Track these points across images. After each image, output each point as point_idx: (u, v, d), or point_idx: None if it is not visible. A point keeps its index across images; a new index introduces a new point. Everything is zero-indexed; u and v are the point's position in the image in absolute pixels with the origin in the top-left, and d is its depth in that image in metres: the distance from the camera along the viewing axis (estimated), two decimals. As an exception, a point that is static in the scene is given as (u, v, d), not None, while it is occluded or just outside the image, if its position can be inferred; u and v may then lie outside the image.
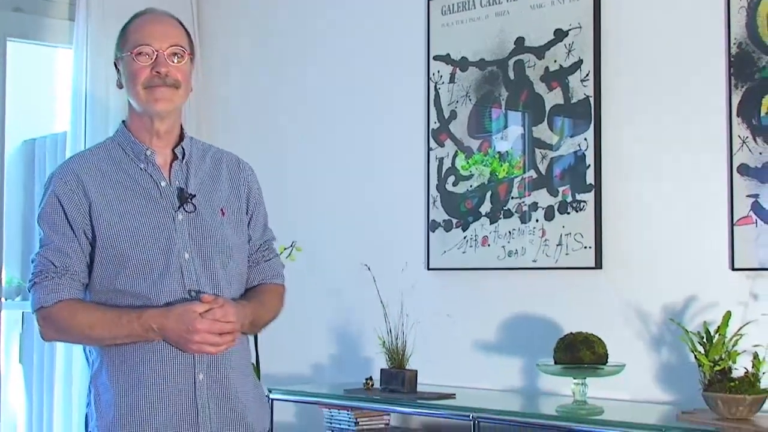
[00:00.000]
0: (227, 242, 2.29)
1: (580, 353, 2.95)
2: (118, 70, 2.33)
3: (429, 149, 3.68)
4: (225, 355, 2.24)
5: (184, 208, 2.26)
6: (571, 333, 3.03)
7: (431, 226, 3.66)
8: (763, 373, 2.67)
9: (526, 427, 2.98)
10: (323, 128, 4.04)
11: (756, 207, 2.97)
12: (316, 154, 4.04)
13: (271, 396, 3.44)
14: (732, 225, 3.02)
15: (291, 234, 3.64)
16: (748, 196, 2.98)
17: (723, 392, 2.65)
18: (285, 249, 3.58)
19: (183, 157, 2.32)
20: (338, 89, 4.01)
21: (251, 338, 2.86)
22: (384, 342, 3.34)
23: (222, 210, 2.31)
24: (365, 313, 3.65)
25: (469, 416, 2.97)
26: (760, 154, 2.95)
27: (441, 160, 3.65)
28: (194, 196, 2.27)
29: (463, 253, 3.57)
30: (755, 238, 2.97)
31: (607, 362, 2.99)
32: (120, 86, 2.33)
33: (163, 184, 2.29)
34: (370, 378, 3.42)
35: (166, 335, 2.19)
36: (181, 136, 2.34)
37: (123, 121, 2.36)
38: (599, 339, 3.01)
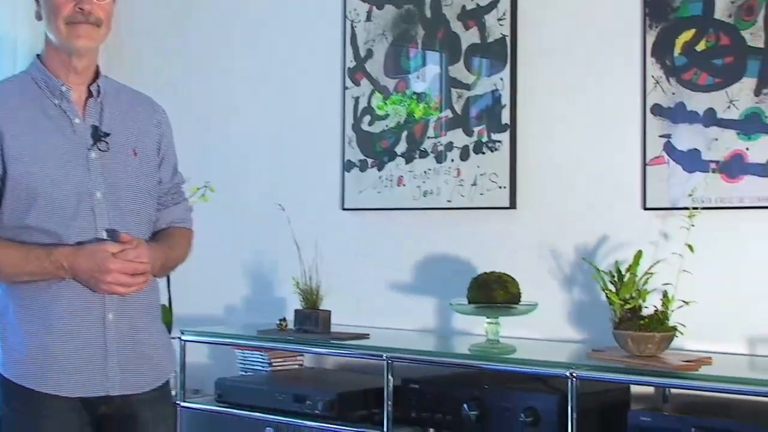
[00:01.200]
0: (139, 183, 2.26)
1: (494, 293, 2.94)
2: (37, 1, 2.24)
3: (345, 88, 3.63)
4: (135, 296, 2.21)
5: (97, 147, 2.21)
6: (485, 273, 3.02)
7: (346, 166, 3.64)
8: (672, 311, 2.67)
9: (439, 366, 2.97)
10: (238, 66, 3.96)
11: (668, 147, 2.99)
12: (231, 92, 3.97)
13: (184, 337, 3.37)
14: (644, 165, 3.03)
15: (205, 174, 3.61)
16: (660, 136, 2.99)
17: (633, 330, 2.65)
18: (198, 189, 3.53)
19: (98, 95, 2.27)
20: (253, 26, 3.93)
21: (164, 280, 2.80)
22: (298, 283, 3.31)
23: (134, 150, 2.27)
24: (279, 253, 3.62)
25: (382, 356, 2.94)
26: (673, 94, 2.96)
27: (357, 100, 3.61)
28: (108, 134, 2.22)
29: (378, 193, 3.57)
30: (667, 177, 2.98)
31: (520, 301, 2.98)
32: (39, 18, 2.24)
33: (77, 121, 2.23)
34: (284, 319, 3.38)
35: (76, 274, 2.15)
36: (97, 74, 2.29)
37: (38, 55, 2.28)
38: (512, 278, 3.00)
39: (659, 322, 2.65)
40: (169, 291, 3.55)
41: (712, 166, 2.91)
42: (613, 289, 2.72)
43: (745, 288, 2.89)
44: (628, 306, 2.68)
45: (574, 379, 2.60)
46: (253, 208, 3.83)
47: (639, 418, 2.53)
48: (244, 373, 3.48)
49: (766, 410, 2.58)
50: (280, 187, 3.76)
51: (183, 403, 3.32)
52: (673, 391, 2.85)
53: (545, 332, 3.20)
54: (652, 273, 2.72)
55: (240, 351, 3.48)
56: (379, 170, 3.57)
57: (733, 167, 2.87)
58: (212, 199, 3.57)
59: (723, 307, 2.91)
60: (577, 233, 3.16)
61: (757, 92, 2.81)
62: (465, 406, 2.78)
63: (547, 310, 3.11)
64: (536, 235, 3.26)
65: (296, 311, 3.33)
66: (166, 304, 3.50)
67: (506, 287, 2.96)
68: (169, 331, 2.71)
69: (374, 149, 3.58)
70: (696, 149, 2.94)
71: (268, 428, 3.10)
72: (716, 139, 2.90)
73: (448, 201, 3.41)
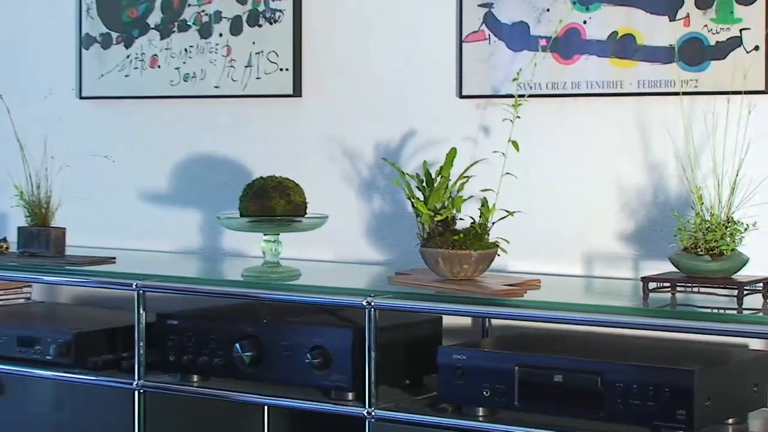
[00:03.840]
0: None
1: (272, 202, 2.93)
2: None
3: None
4: None
5: None
6: (262, 177, 3.00)
7: (84, 41, 3.58)
8: (493, 224, 2.69)
9: (204, 297, 2.96)
10: None
11: (489, 19, 3.01)
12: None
13: None
14: (460, 42, 3.05)
15: None
16: (480, 5, 3.02)
17: (444, 248, 2.67)
18: None
19: None
20: None
21: None
22: (22, 192, 3.27)
23: None
24: (-4, 154, 3.57)
25: (132, 285, 2.93)
26: (491, -48, 3.01)
27: (96, -45, 3.57)
28: None
29: (126, 76, 3.52)
30: (487, 57, 3.01)
31: (305, 213, 3.00)
32: None
33: None
34: (4, 239, 3.36)
35: None
36: None
37: None
38: (296, 184, 3.00)
39: (477, 237, 2.67)
40: None
41: (542, 43, 2.93)
42: (421, 197, 2.73)
43: (582, 195, 2.94)
44: (438, 218, 2.69)
45: (371, 309, 2.61)
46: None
47: (451, 356, 2.55)
48: (-50, 309, 3.42)
49: (604, 342, 2.66)
50: (-2, 70, 3.71)
51: None
52: (495, 322, 2.92)
53: (337, 252, 3.25)
54: (468, 177, 2.74)
55: (-56, 281, 3.43)
56: (126, 47, 3.52)
57: (568, 45, 2.91)
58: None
59: (555, 218, 2.96)
60: (376, 127, 3.19)
61: (597, -49, 2.92)
62: (237, 346, 2.79)
63: (339, 224, 3.14)
64: (326, 129, 3.27)
65: (20, 229, 3.29)
66: None
67: (288, 195, 2.96)
68: None
69: (120, 20, 3.52)
70: (523, 22, 2.96)
71: (-18, 380, 3.08)
72: (548, 10, 2.93)
73: (216, 87, 3.40)
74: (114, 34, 3.52)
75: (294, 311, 2.88)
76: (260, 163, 3.27)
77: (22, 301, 3.49)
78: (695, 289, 2.51)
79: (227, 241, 3.39)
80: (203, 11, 3.37)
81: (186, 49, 3.41)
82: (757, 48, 2.70)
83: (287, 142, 3.32)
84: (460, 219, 2.72)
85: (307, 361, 2.70)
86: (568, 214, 2.95)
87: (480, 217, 2.70)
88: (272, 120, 3.34)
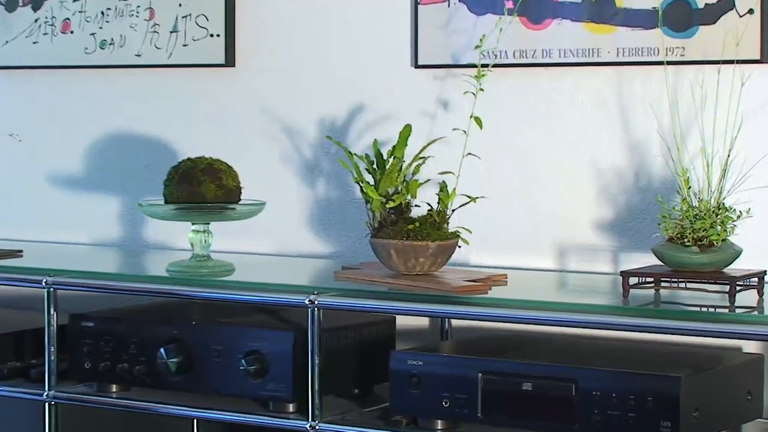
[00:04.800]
0: None
1: (202, 187, 2.93)
2: None
3: None
4: None
5: None
6: (189, 159, 3.00)
7: None
8: (453, 211, 2.70)
9: (124, 295, 2.97)
10: None
11: None
12: None
13: None
14: (415, 4, 3.07)
15: None
16: None
17: (398, 238, 2.67)
18: None
19: None
20: None
21: None
22: None
23: None
24: None
25: (41, 282, 2.92)
26: None
27: None
28: None
29: (35, 43, 3.52)
30: (446, 22, 3.03)
31: (240, 200, 3.01)
32: None
33: None
34: None
35: None
36: None
37: None
38: (229, 167, 3.00)
39: (435, 226, 2.68)
40: None
41: (509, 5, 2.94)
42: (371, 181, 2.73)
43: (554, 179, 2.95)
44: (391, 204, 2.70)
45: (315, 308, 2.62)
46: None
47: (406, 362, 2.54)
48: None
49: (579, 345, 2.69)
50: None
51: None
52: (455, 322, 2.95)
53: (276, 244, 3.27)
54: (425, 157, 2.74)
55: None
56: (34, 10, 3.51)
57: (538, 8, 2.93)
58: None
59: (523, 205, 2.98)
60: (320, 102, 3.21)
61: None
62: (162, 351, 2.79)
63: (278, 211, 3.17)
64: (263, 103, 3.28)
65: None
66: None
67: (219, 179, 2.96)
68: None
69: (28, -22, 3.54)
70: (487, -19, 3.00)
71: None
72: (515, -32, 3.01)
73: (137, 56, 3.40)
74: (19, -5, 3.54)
75: (227, 311, 2.88)
76: (188, 143, 3.28)
77: None
78: (682, 285, 2.50)
79: (150, 231, 3.40)
80: (123, -32, 3.41)
81: (103, 12, 3.41)
82: (751, 11, 2.70)
83: (219, 118, 3.32)
84: (416, 206, 2.73)
85: (241, 368, 2.70)
86: (538, 200, 2.96)
87: (438, 203, 2.70)
88: (201, 93, 3.35)
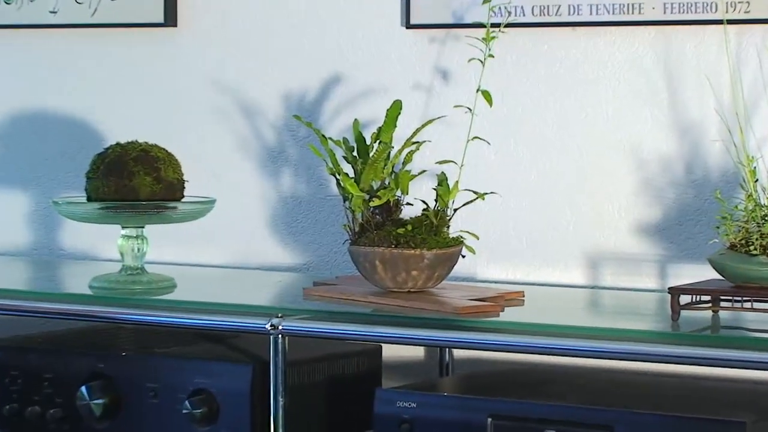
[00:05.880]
0: None
1: (134, 181, 2.93)
2: None
3: None
4: None
5: None
6: (119, 144, 2.99)
7: None
8: (455, 211, 2.70)
9: (36, 318, 3.04)
10: None
11: None
12: None
13: None
14: None
15: None
16: None
17: (385, 246, 2.67)
18: None
19: None
20: None
21: None
22: None
23: None
24: None
25: None
26: None
27: None
28: None
29: None
30: None
31: (182, 196, 3.00)
32: None
33: None
34: None
35: None
36: None
37: None
38: (168, 154, 3.00)
39: (432, 230, 2.68)
40: None
41: None
42: (351, 173, 2.75)
43: (584, 170, 2.97)
44: (376, 202, 2.71)
45: (279, 336, 2.61)
46: None
47: (395, 403, 2.54)
48: None
49: (617, 382, 2.69)
50: None
51: None
52: (458, 353, 2.97)
53: (230, 253, 3.31)
54: (419, 143, 2.75)
55: None
56: None
57: None
58: None
59: (545, 203, 2.99)
60: (285, 71, 3.24)
61: None
62: (83, 390, 2.79)
63: (232, 211, 3.22)
64: (213, 74, 3.31)
65: None
66: None
67: (157, 170, 2.96)
68: None
69: None
70: None
71: None
72: None
73: (53, 12, 3.44)
74: None
75: (166, 339, 2.89)
76: (117, 124, 3.31)
77: None
78: (747, 304, 2.49)
79: (68, 237, 3.43)
80: None
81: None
82: (835, -45, 2.72)
83: (156, 92, 3.36)
84: (408, 204, 2.73)
85: (185, 411, 2.70)
86: (563, 196, 2.97)
87: (436, 201, 2.70)
88: (135, 60, 3.38)
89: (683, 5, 2.82)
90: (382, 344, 2.84)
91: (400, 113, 2.74)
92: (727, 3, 2.76)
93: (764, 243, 2.48)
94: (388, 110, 2.74)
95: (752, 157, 2.53)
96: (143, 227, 2.97)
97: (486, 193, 2.68)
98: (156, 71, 3.35)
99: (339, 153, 2.74)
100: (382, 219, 2.71)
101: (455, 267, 2.71)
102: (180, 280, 3.04)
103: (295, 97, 3.20)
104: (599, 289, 2.92)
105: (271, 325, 2.60)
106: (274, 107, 3.22)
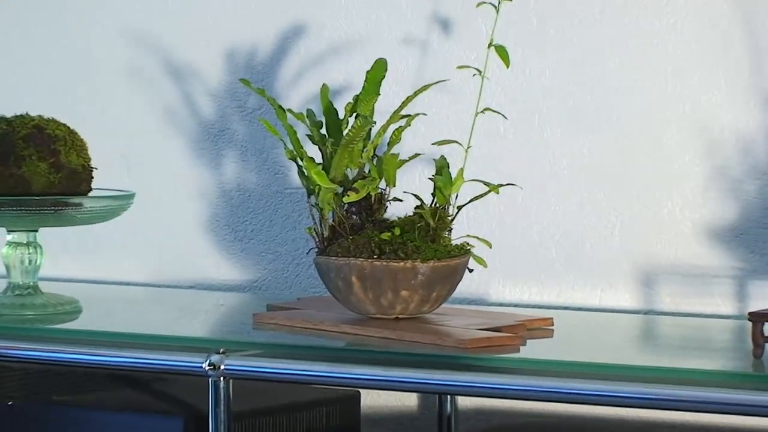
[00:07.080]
0: None
1: (24, 168, 2.99)
2: None
3: None
4: None
5: None
6: (4, 119, 3.06)
7: None
8: (460, 209, 2.74)
9: None
10: None
11: None
12: None
13: None
14: None
15: None
16: None
17: (363, 257, 2.70)
18: None
19: None
20: None
21: None
22: None
23: None
24: None
25: None
26: None
27: None
28: None
29: None
30: None
31: (89, 189, 3.04)
32: None
33: None
34: None
35: None
36: None
37: None
38: (71, 132, 3.04)
39: (428, 235, 2.71)
40: None
41: None
42: (318, 158, 2.77)
43: (633, 154, 3.01)
44: (351, 197, 2.73)
45: (221, 378, 2.64)
46: None
47: None
48: None
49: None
50: None
51: None
52: (464, 401, 3.09)
53: (155, 267, 3.42)
54: (410, 116, 2.77)
55: None
56: None
57: None
58: None
59: (579, 199, 3.06)
60: (228, 21, 3.36)
61: None
62: None
63: (158, 211, 3.36)
64: (128, 23, 3.45)
65: None
66: None
67: (55, 154, 3.00)
68: None
69: None
70: None
71: None
72: None
73: None
74: None
75: (67, 383, 2.98)
76: (10, 93, 3.47)
77: None
78: None
79: None
80: None
81: None
82: None
83: (53, 48, 3.48)
84: (395, 200, 2.76)
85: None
86: (604, 191, 3.03)
87: (434, 196, 2.72)
88: (22, 6, 3.49)
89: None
90: (361, 389, 2.89)
91: (384, 76, 2.75)
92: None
93: None
94: (368, 72, 2.76)
95: None
96: (36, 231, 3.02)
97: (501, 185, 2.69)
98: (52, 21, 3.42)
99: (302, 130, 2.74)
100: (361, 220, 2.74)
101: (459, 285, 2.73)
102: (86, 302, 3.09)
103: (241, 55, 3.26)
104: (655, 315, 2.96)
105: (209, 364, 2.62)
106: (214, 69, 3.32)
